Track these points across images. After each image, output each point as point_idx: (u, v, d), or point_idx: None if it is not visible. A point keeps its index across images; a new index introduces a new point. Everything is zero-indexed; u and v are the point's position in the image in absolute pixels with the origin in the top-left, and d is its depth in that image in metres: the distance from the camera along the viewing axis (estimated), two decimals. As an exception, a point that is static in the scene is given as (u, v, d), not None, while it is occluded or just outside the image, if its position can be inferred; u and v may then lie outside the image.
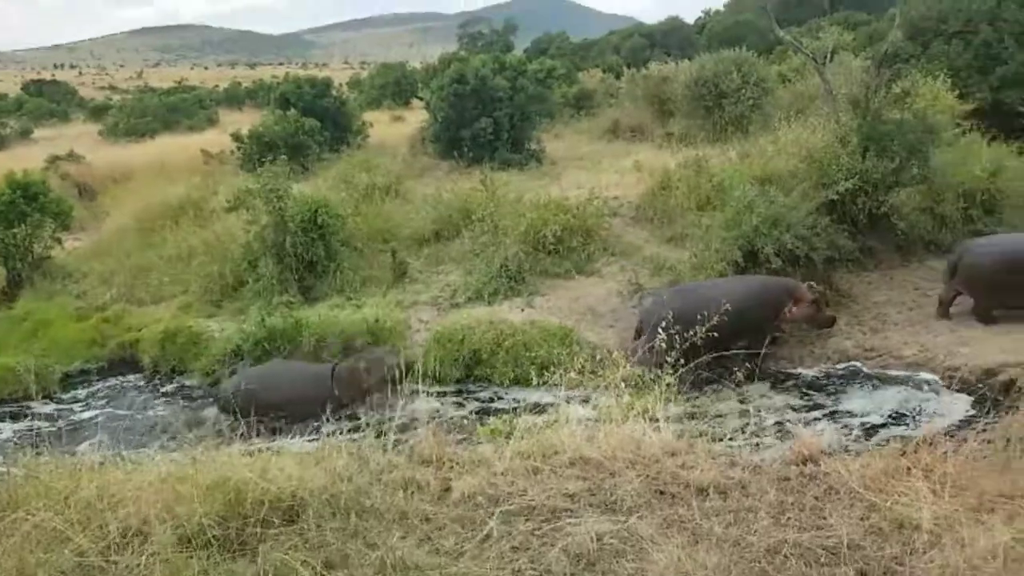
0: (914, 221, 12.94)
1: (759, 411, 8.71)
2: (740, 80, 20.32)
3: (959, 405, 8.99)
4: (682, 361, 6.83)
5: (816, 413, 9.04)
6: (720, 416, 7.47)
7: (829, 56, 19.41)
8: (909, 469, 4.69)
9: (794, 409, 9.15)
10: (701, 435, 5.73)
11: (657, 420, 5.74)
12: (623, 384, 6.34)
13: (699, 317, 7.29)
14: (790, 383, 9.97)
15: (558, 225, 13.42)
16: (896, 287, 12.21)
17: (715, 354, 7.75)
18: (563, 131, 23.66)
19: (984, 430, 5.10)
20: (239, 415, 9.02)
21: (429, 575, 4.08)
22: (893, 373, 10.05)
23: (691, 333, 6.92)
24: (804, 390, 9.75)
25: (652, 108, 23.57)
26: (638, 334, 10.40)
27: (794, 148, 14.63)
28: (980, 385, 9.14)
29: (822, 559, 4.00)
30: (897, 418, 8.81)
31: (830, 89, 16.67)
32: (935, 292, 11.87)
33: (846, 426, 8.66)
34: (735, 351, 9.22)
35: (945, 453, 4.79)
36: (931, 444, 4.89)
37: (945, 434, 5.39)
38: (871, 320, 11.37)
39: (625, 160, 18.50)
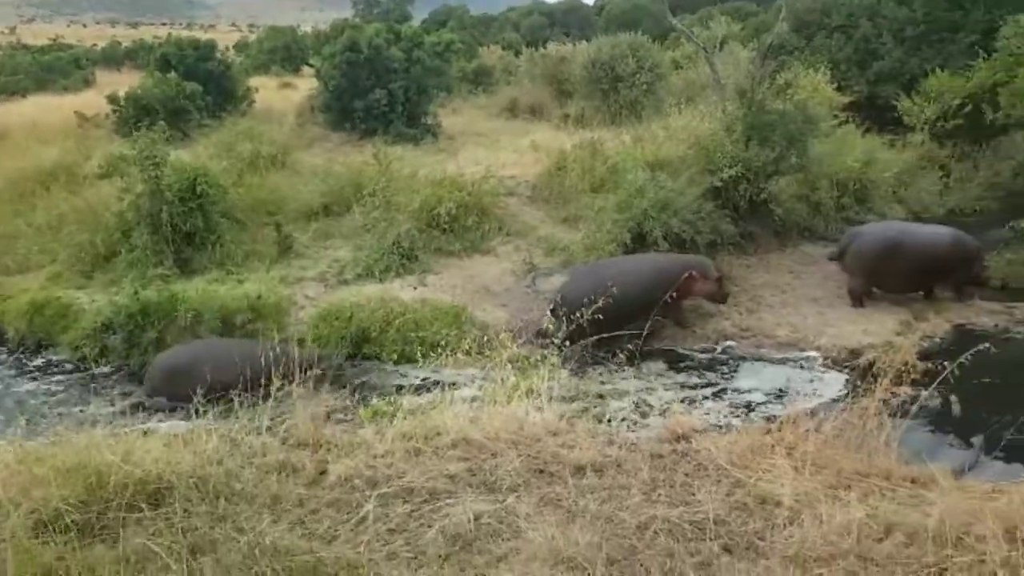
0: (791, 208, 13.53)
1: (640, 390, 8.95)
2: (635, 65, 20.67)
3: (835, 384, 9.42)
4: (581, 340, 6.96)
5: (694, 391, 9.35)
6: (603, 396, 7.62)
7: (718, 46, 20.03)
8: (773, 447, 4.92)
9: (673, 388, 9.43)
10: (583, 414, 5.85)
11: (541, 400, 5.82)
12: (509, 365, 6.38)
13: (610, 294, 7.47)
14: (671, 362, 10.27)
15: (453, 203, 13.32)
16: (772, 270, 12.76)
17: (617, 332, 7.92)
18: (461, 107, 23.48)
19: (844, 410, 5.39)
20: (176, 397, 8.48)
21: (300, 560, 4.00)
22: (767, 352, 10.49)
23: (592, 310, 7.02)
24: (684, 369, 10.07)
25: (550, 88, 23.70)
26: (553, 313, 10.46)
27: (684, 135, 15.02)
28: (845, 364, 9.67)
29: (689, 534, 4.15)
30: (774, 396, 9.19)
31: (718, 78, 17.22)
32: (808, 275, 12.50)
33: (724, 404, 8.99)
34: (621, 332, 9.50)
35: (807, 432, 5.05)
36: (794, 423, 5.14)
37: (814, 413, 5.67)
38: (748, 302, 11.85)
39: (523, 139, 18.53)
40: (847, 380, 9.36)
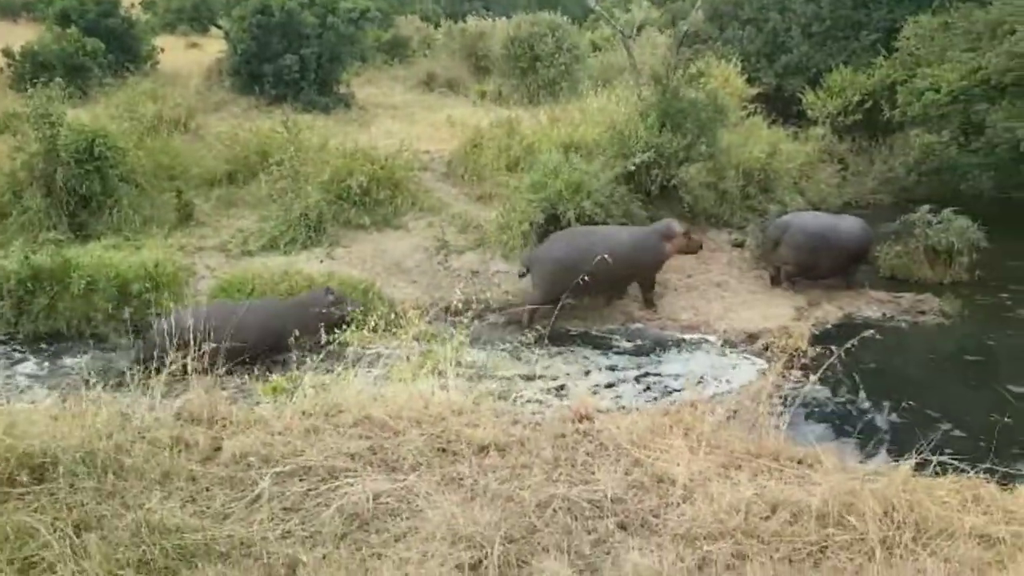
0: (699, 195, 13.84)
1: (547, 369, 9.03)
2: (554, 45, 20.67)
3: (741, 367, 9.69)
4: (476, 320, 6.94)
5: (600, 372, 9.49)
6: (510, 376, 7.66)
7: (636, 30, 20.26)
8: (671, 428, 5.04)
9: (580, 368, 9.55)
10: (489, 394, 5.85)
11: (447, 378, 5.79)
12: (416, 342, 6.33)
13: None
14: (579, 343, 10.40)
15: (365, 175, 13.03)
16: (679, 257, 13.04)
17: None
18: (376, 77, 23.00)
19: (739, 392, 5.59)
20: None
21: (190, 537, 3.90)
22: (672, 334, 10.74)
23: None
24: (592, 350, 10.21)
25: (468, 63, 23.48)
26: (521, 276, 11.17)
27: (600, 117, 15.13)
28: (743, 346, 9.99)
29: (587, 512, 4.22)
30: (679, 378, 9.38)
31: (634, 63, 17.41)
32: (713, 261, 12.85)
33: (628, 385, 9.16)
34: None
35: (703, 414, 5.20)
36: (692, 405, 5.29)
37: (714, 395, 5.85)
38: (655, 286, 12.08)
39: (439, 113, 18.31)
40: (752, 363, 9.67)
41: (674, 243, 11.41)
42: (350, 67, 20.76)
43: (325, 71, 19.29)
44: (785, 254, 11.90)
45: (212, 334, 6.19)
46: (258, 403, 5.79)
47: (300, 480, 4.47)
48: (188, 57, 23.31)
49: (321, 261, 11.63)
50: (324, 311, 9.23)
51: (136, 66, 20.56)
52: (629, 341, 10.56)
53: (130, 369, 5.60)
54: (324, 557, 3.81)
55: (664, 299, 11.71)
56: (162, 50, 22.49)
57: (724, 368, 9.62)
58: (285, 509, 4.24)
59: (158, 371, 5.41)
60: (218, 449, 4.81)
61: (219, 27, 25.59)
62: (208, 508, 4.22)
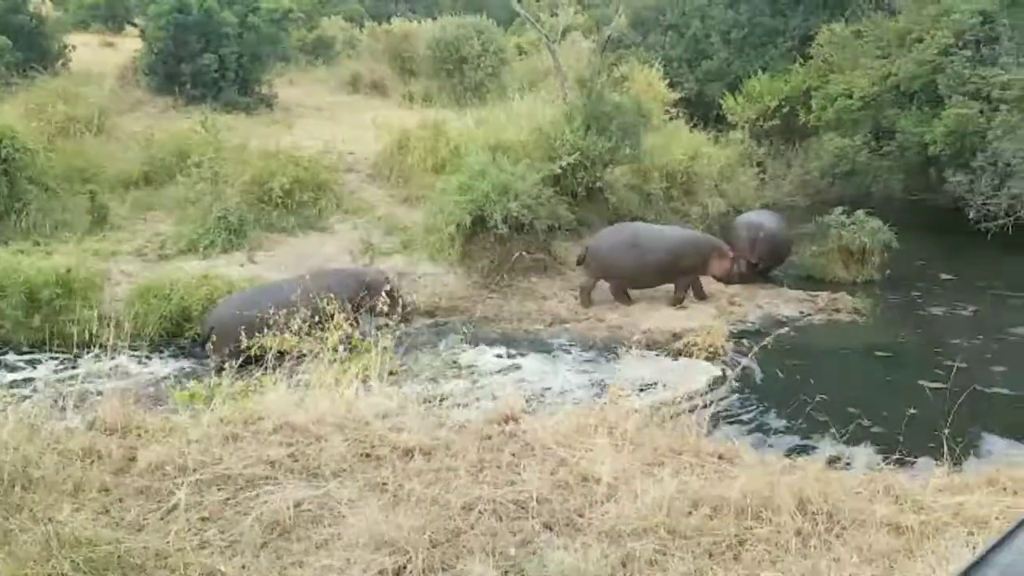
0: (623, 197, 14.06)
1: (475, 371, 9.01)
2: (480, 47, 20.70)
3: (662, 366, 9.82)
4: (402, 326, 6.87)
5: (529, 373, 9.52)
6: (436, 378, 7.60)
7: (561, 35, 20.45)
8: (596, 427, 5.08)
9: (508, 369, 9.57)
10: (415, 397, 5.80)
11: (371, 382, 5.72)
12: (341, 346, 6.23)
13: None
14: (508, 344, 10.42)
15: (287, 177, 12.79)
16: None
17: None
18: (299, 78, 22.59)
19: (664, 389, 5.67)
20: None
21: (103, 550, 3.75)
22: (599, 335, 10.85)
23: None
24: (520, 351, 10.24)
25: (394, 65, 23.29)
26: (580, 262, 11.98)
27: (526, 120, 15.22)
28: (666, 346, 10.16)
29: (512, 513, 4.20)
30: (608, 377, 9.44)
31: (560, 67, 17.57)
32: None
33: (556, 385, 9.21)
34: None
35: (628, 412, 5.26)
36: (616, 403, 5.34)
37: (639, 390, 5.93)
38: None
39: (364, 115, 18.09)
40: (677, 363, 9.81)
41: (718, 263, 11.79)
42: (272, 67, 20.33)
43: (246, 71, 18.85)
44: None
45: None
46: (175, 411, 5.62)
47: (218, 489, 4.34)
48: (102, 56, 22.44)
49: (242, 265, 11.36)
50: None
51: (46, 65, 19.67)
52: (556, 342, 10.63)
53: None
54: (243, 567, 3.71)
55: (591, 299, 11.82)
56: (74, 48, 21.60)
57: (644, 367, 9.76)
58: (203, 519, 4.11)
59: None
60: (132, 459, 4.65)
61: (135, 25, 24.74)
62: (122, 519, 4.07)
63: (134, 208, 12.85)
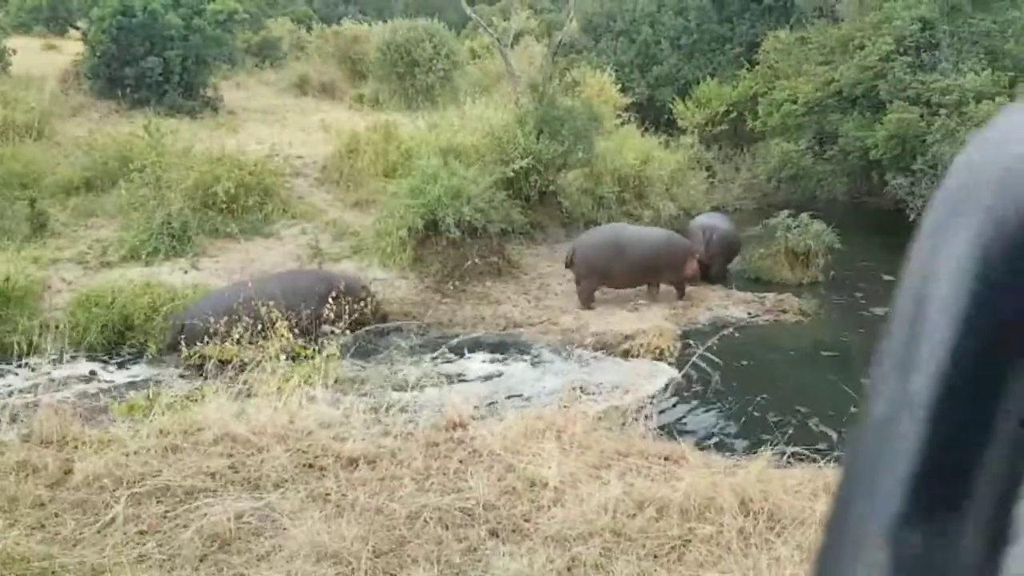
0: (576, 200, 14.14)
1: (422, 377, 8.94)
2: (432, 51, 20.63)
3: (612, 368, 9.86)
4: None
5: (478, 377, 9.49)
6: (383, 386, 7.53)
7: (513, 39, 20.50)
8: (544, 432, 5.08)
9: (457, 374, 9.52)
10: (360, 405, 5.73)
11: (315, 392, 5.64)
12: (284, 355, 6.13)
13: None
14: (459, 349, 10.37)
15: (232, 182, 12.55)
16: (558, 260, 13.23)
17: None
18: (246, 81, 22.23)
19: (616, 390, 5.69)
20: None
21: (37, 566, 3.65)
22: (552, 338, 10.86)
23: None
24: (471, 355, 10.20)
25: (344, 67, 23.08)
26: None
27: (478, 124, 15.19)
28: (616, 348, 10.21)
29: (459, 521, 4.18)
30: (560, 381, 9.43)
31: (512, 71, 17.61)
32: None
33: (505, 390, 9.19)
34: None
35: (575, 416, 5.27)
36: (564, 408, 5.35)
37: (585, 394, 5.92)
38: (536, 290, 12.24)
39: (312, 118, 17.90)
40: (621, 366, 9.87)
41: (691, 266, 11.87)
42: (217, 70, 19.97)
43: (191, 74, 18.48)
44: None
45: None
46: (114, 422, 5.47)
47: (157, 501, 4.25)
48: (44, 59, 21.82)
49: (185, 272, 11.12)
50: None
51: (-16, 69, 19.08)
52: (508, 346, 10.61)
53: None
54: (182, 581, 3.63)
55: (544, 303, 11.85)
56: (14, 52, 20.98)
57: (595, 371, 9.80)
58: (141, 532, 4.02)
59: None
60: (69, 472, 4.54)
61: (77, 28, 24.13)
62: (57, 534, 3.98)
63: (75, 214, 12.50)
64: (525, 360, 10.19)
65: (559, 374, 9.61)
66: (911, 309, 0.45)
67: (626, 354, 9.76)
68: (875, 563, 0.41)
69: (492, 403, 7.92)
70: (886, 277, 13.41)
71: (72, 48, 22.25)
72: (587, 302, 11.71)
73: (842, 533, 0.44)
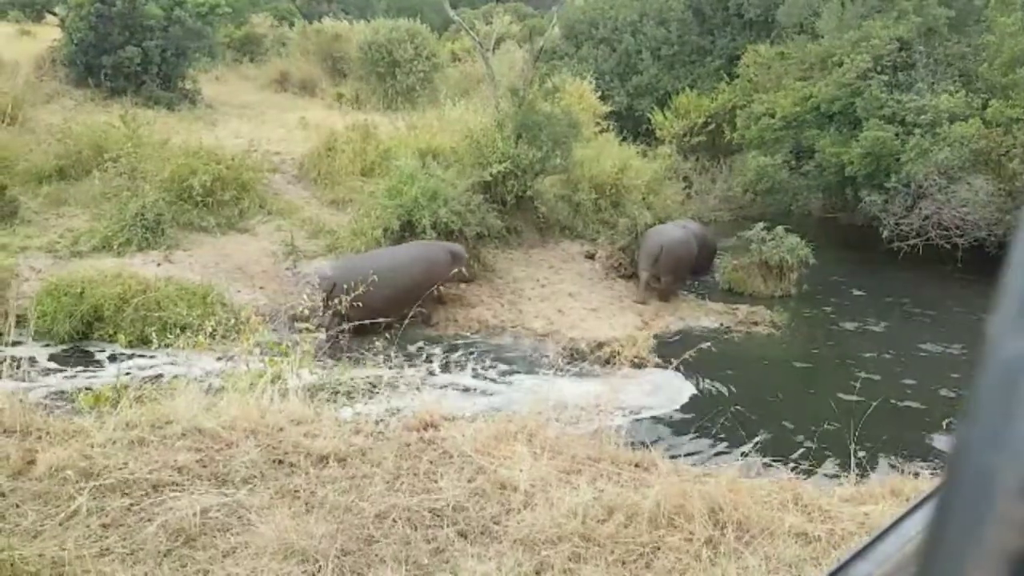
0: (553, 207, 14.17)
1: (395, 378, 8.90)
2: (413, 52, 20.60)
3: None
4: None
5: (449, 380, 9.47)
6: (356, 385, 7.49)
7: (495, 43, 20.51)
8: (516, 435, 5.07)
9: (429, 376, 9.49)
10: (332, 403, 5.69)
11: (287, 388, 5.59)
12: (258, 350, 6.08)
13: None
14: (431, 350, 10.35)
15: (208, 175, 12.43)
16: (533, 265, 13.29)
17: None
18: (226, 75, 22.05)
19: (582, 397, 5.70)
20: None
21: (-4, 558, 3.56)
22: (523, 342, 10.88)
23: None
24: (443, 358, 10.18)
25: (324, 65, 22.97)
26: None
27: (457, 127, 15.20)
28: (592, 354, 10.25)
29: (427, 522, 4.15)
30: (531, 385, 9.45)
31: (492, 75, 17.61)
32: (566, 271, 13.17)
33: (476, 393, 9.19)
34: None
35: (548, 420, 5.27)
36: (537, 412, 5.34)
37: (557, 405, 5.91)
38: (510, 294, 12.25)
39: (292, 115, 17.79)
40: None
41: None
42: (197, 63, 19.79)
43: (170, 65, 18.29)
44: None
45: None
46: (79, 413, 5.38)
47: (122, 494, 4.17)
48: (19, 46, 21.48)
49: (158, 264, 10.99)
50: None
51: (-44, 54, 18.70)
52: (479, 349, 10.60)
53: None
54: (145, 575, 3.57)
55: (517, 307, 11.86)
56: (-11, 37, 20.66)
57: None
58: (104, 525, 3.95)
59: None
60: (32, 462, 4.44)
61: (55, 14, 23.79)
62: (17, 526, 3.89)
63: (47, 203, 12.31)
64: (497, 363, 10.18)
65: (533, 377, 9.62)
66: None
67: (605, 362, 9.77)
68: (1013, 521, 0.39)
69: (462, 405, 7.91)
70: (856, 292, 13.61)
71: (48, 34, 21.95)
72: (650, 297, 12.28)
73: (967, 489, 0.42)
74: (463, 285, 11.75)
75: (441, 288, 11.26)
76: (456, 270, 11.16)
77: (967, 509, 0.40)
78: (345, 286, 7.86)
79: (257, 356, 5.88)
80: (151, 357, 8.89)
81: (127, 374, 5.94)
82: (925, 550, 0.44)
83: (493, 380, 9.66)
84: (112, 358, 9.22)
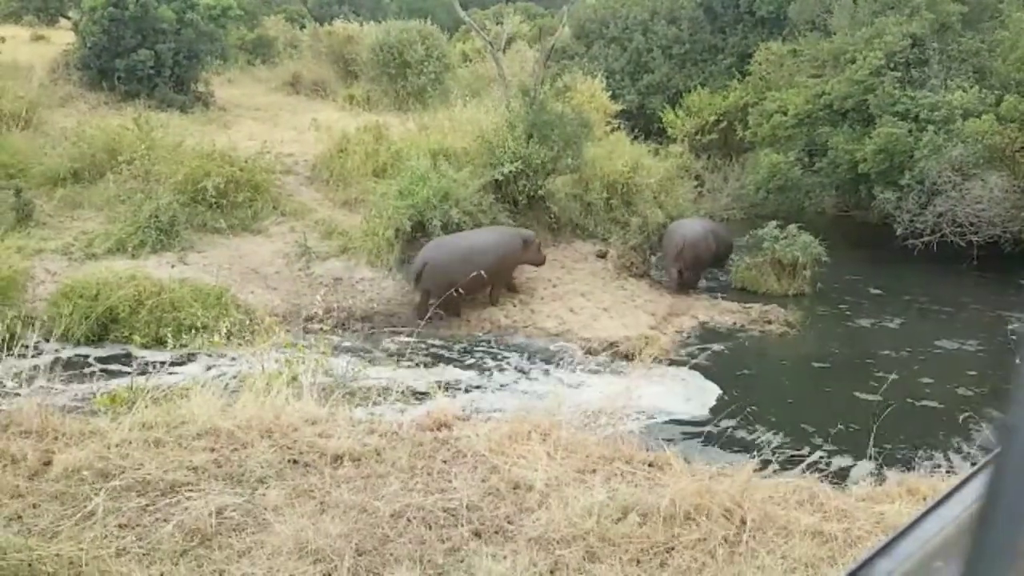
0: (565, 206, 14.15)
1: (409, 378, 8.91)
2: (424, 52, 20.62)
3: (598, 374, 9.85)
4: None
5: (463, 380, 9.47)
6: (370, 385, 7.50)
7: (505, 43, 20.52)
8: (530, 434, 5.06)
9: (442, 376, 9.49)
10: (347, 403, 5.70)
11: (302, 388, 5.60)
12: (273, 351, 6.10)
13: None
14: (443, 351, 10.36)
15: (222, 177, 12.49)
16: (546, 265, 13.26)
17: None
18: (238, 77, 22.14)
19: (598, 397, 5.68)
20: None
21: (14, 558, 3.59)
22: (536, 343, 10.87)
23: None
24: (455, 358, 10.19)
25: (336, 67, 23.03)
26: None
27: (468, 127, 15.20)
28: (605, 354, 10.24)
29: (442, 521, 4.15)
30: (546, 385, 9.45)
31: (503, 75, 17.61)
32: (578, 271, 13.14)
33: (489, 392, 9.19)
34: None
35: (561, 419, 5.26)
36: (551, 411, 5.34)
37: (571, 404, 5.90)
38: (522, 294, 12.23)
39: (304, 117, 17.83)
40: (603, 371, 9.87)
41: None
42: (210, 65, 19.88)
43: (182, 68, 18.39)
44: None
45: None
46: (95, 414, 5.42)
47: (138, 495, 4.19)
48: (33, 50, 21.65)
49: (172, 266, 11.05)
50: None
51: (-30, 58, 18.86)
52: (492, 349, 10.60)
53: None
54: (161, 575, 3.58)
55: (530, 308, 11.85)
56: (3, 40, 20.79)
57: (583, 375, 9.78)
58: (120, 526, 3.97)
59: None
60: (48, 463, 4.47)
61: (68, 18, 23.97)
62: (35, 526, 3.92)
63: (61, 205, 12.41)
64: (510, 363, 10.18)
65: (546, 377, 9.62)
66: None
67: (625, 358, 9.76)
68: None
69: (475, 403, 7.91)
70: (871, 290, 13.52)
71: (61, 38, 22.11)
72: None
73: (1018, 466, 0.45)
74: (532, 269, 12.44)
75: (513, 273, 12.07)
76: (530, 254, 12.03)
77: (1018, 484, 0.43)
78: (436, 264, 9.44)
79: (272, 357, 5.90)
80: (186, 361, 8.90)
81: (144, 374, 5.97)
82: (980, 521, 0.47)
83: (507, 379, 9.66)
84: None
